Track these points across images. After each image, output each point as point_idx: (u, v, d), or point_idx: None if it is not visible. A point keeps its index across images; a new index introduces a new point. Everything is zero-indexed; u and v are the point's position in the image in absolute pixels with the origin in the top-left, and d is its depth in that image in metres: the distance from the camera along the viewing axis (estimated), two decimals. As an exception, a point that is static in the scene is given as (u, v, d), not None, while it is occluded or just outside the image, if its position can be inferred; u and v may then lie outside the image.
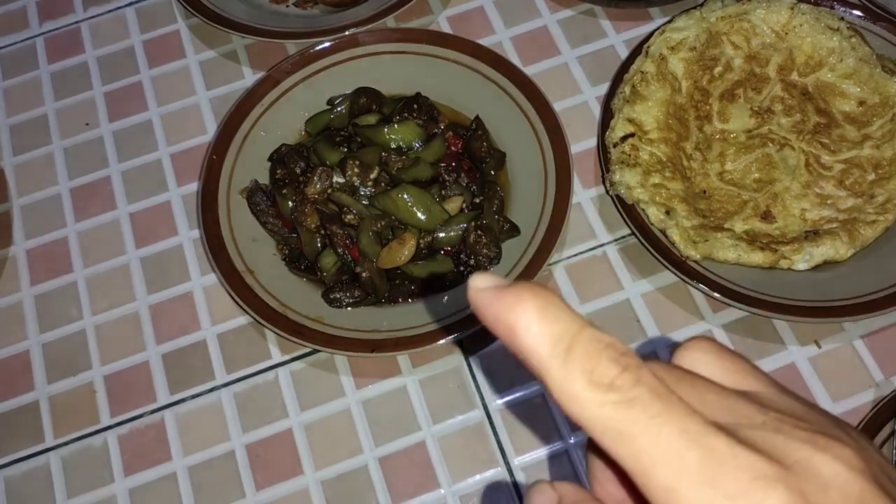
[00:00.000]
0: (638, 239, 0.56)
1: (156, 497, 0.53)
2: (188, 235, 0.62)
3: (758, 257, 0.54)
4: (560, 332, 0.19)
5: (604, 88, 0.64)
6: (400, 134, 0.59)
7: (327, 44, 0.64)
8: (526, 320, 0.19)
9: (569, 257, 0.59)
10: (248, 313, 0.55)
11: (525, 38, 0.68)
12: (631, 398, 0.18)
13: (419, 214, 0.56)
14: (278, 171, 0.60)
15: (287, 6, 0.71)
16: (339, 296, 0.56)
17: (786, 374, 0.53)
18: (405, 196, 0.56)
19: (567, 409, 0.19)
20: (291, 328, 0.54)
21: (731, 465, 0.18)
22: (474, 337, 0.55)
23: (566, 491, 0.22)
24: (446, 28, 0.69)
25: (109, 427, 0.56)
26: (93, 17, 0.73)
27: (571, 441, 0.53)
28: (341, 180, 0.58)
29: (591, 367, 0.18)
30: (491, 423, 0.54)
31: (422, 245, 0.57)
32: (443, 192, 0.58)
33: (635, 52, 0.62)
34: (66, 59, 0.71)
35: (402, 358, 0.56)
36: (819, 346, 0.54)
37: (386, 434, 0.54)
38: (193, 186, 0.64)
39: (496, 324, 0.20)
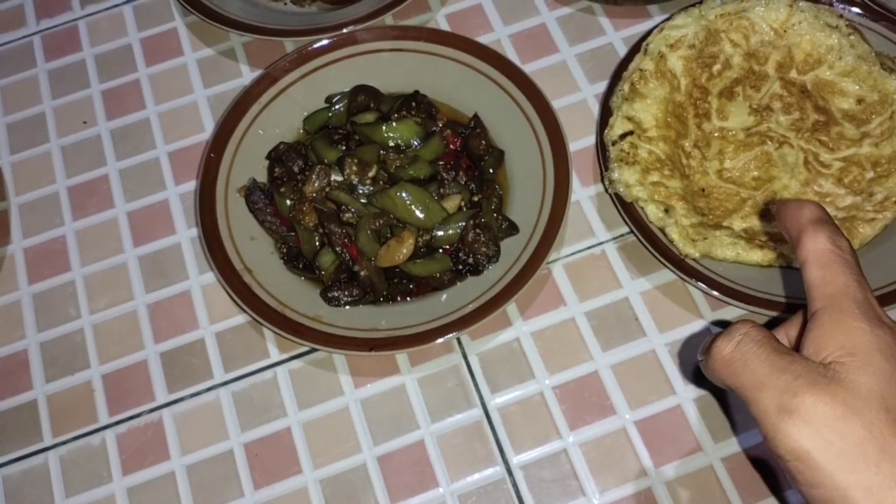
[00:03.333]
0: (636, 237, 0.56)
1: (154, 496, 0.53)
2: (186, 234, 0.62)
3: (756, 255, 0.54)
4: (823, 217, 0.39)
5: (602, 86, 0.64)
6: (398, 132, 0.59)
7: (325, 41, 0.64)
8: (809, 209, 0.39)
9: (567, 255, 0.59)
10: (246, 312, 0.55)
11: (523, 35, 0.68)
12: (848, 257, 0.37)
13: (417, 213, 0.56)
14: (276, 170, 0.60)
15: (285, 4, 0.71)
16: (337, 294, 0.56)
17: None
18: (403, 194, 0.56)
19: (802, 240, 0.38)
20: (290, 327, 0.54)
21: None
22: (473, 335, 0.56)
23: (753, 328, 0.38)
24: (445, 26, 0.69)
25: (108, 426, 0.56)
26: (90, 14, 0.73)
27: (570, 439, 0.53)
28: (339, 178, 0.58)
29: (834, 236, 0.38)
30: (489, 421, 0.54)
31: (420, 243, 0.57)
32: (441, 191, 0.58)
33: (634, 50, 0.62)
34: (64, 57, 0.71)
35: (401, 356, 0.56)
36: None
37: (384, 433, 0.54)
38: (191, 185, 0.64)
39: (792, 210, 0.40)
